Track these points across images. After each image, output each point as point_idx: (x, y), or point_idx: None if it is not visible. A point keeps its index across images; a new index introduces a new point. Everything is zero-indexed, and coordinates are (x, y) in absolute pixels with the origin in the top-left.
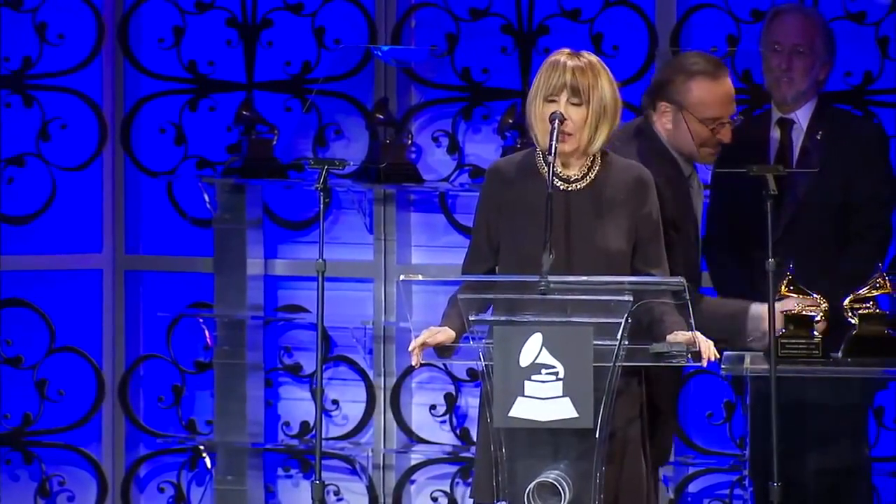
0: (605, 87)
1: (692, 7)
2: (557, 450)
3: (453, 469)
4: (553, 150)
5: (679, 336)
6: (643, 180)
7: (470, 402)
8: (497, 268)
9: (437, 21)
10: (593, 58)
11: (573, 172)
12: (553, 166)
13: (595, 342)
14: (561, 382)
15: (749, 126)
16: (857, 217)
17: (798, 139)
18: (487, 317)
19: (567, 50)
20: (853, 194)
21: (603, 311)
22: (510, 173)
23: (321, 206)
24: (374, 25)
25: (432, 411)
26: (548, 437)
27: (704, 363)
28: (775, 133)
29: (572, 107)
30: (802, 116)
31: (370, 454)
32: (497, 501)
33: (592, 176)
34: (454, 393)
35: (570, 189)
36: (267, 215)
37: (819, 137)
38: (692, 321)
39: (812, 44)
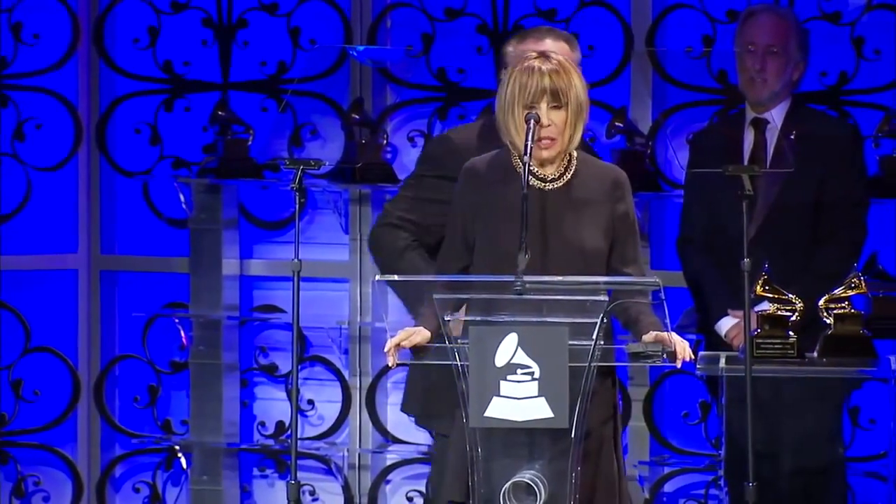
0: (578, 85)
1: (667, 7)
2: (533, 450)
3: (428, 469)
4: (528, 151)
5: (654, 336)
6: (619, 179)
7: None
8: (472, 267)
9: (413, 21)
10: (561, 57)
11: (549, 172)
12: (528, 166)
13: (570, 342)
14: (536, 382)
15: (723, 126)
16: (831, 217)
17: (772, 139)
18: (463, 317)
19: (534, 53)
20: (827, 194)
21: (579, 311)
22: (485, 172)
23: (297, 206)
24: (350, 25)
25: None
26: (523, 437)
27: (679, 364)
28: (749, 133)
29: (553, 110)
30: (776, 116)
31: (346, 454)
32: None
33: (569, 175)
34: None
35: (546, 188)
36: (243, 215)
37: (793, 137)
38: (667, 321)
39: (786, 44)
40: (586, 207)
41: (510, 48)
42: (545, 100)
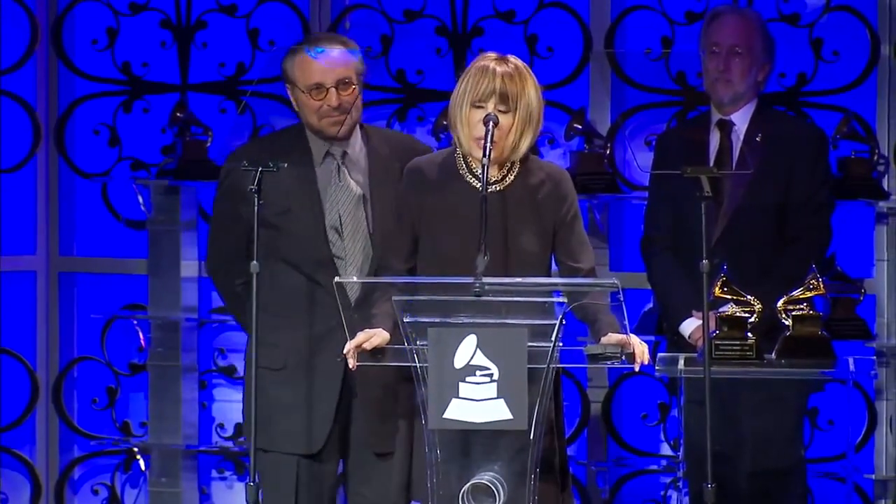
0: (532, 93)
1: (626, 9)
2: (492, 451)
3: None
4: (487, 153)
5: (613, 338)
6: (559, 176)
7: None
8: (416, 269)
9: (372, 22)
10: (520, 62)
11: (493, 174)
12: (487, 168)
13: (529, 344)
14: (495, 384)
15: (689, 127)
16: (796, 219)
17: (737, 141)
18: (423, 318)
19: (494, 54)
20: (792, 196)
21: (537, 313)
22: (431, 173)
23: (256, 207)
24: (309, 27)
25: None
26: (482, 439)
27: (637, 367)
28: (715, 135)
29: (499, 114)
30: (742, 118)
31: None
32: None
33: (511, 177)
34: None
35: (490, 190)
36: (201, 217)
37: (759, 139)
38: (626, 322)
39: (750, 45)
40: (527, 209)
41: (288, 62)
42: (493, 101)
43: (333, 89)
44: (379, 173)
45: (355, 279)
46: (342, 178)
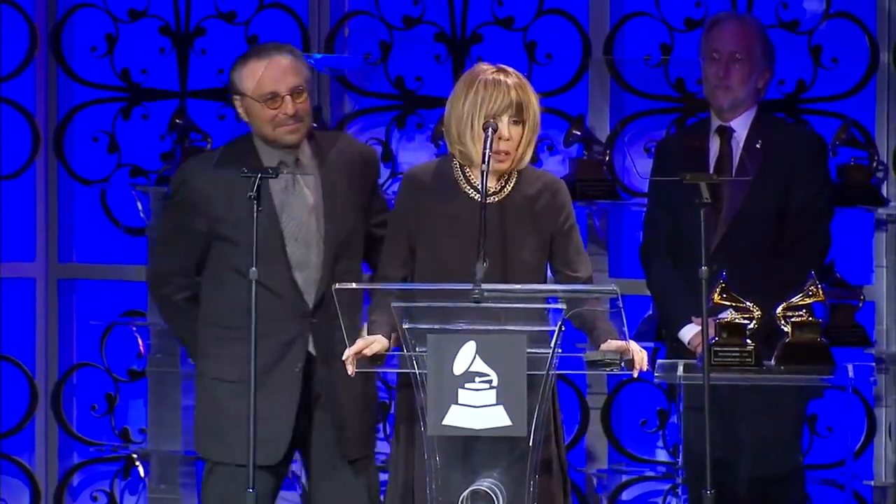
0: (535, 102)
1: (625, 15)
2: (491, 458)
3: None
4: (487, 160)
5: (613, 345)
6: (556, 185)
7: None
8: (414, 277)
9: (371, 29)
10: (519, 73)
11: (491, 185)
12: (486, 175)
13: (528, 350)
14: (494, 390)
15: (689, 134)
16: (793, 225)
17: (737, 147)
18: (422, 325)
19: (490, 66)
20: (791, 202)
21: (536, 320)
22: (427, 182)
23: (255, 214)
24: (308, 33)
25: None
26: (481, 445)
27: (636, 373)
28: (714, 141)
29: (514, 125)
30: (742, 125)
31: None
32: None
33: (509, 188)
34: (388, 401)
35: (488, 201)
36: None
37: (759, 146)
38: (625, 329)
39: (749, 51)
40: (525, 220)
41: (236, 74)
42: (508, 114)
43: (289, 97)
44: (329, 180)
45: (354, 285)
46: (297, 187)
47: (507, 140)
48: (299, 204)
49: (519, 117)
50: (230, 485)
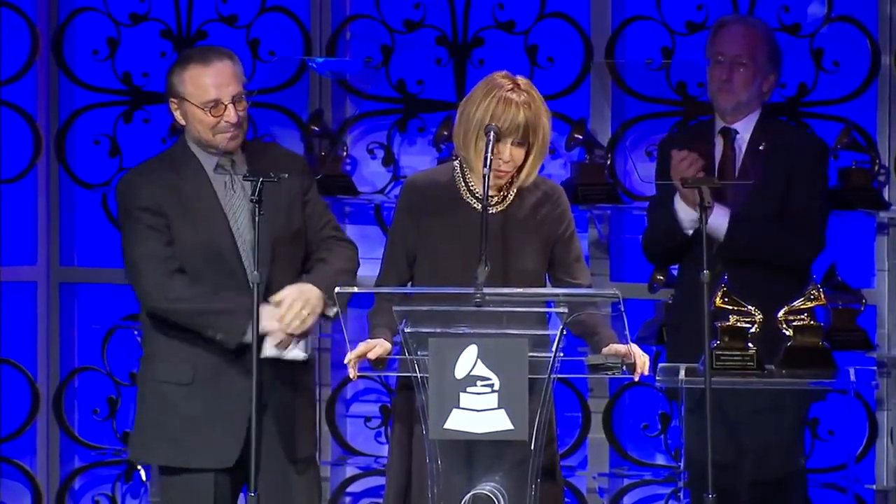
0: (546, 123)
1: (627, 19)
2: (492, 461)
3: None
4: (488, 163)
5: (615, 348)
6: (556, 193)
7: None
8: (412, 283)
9: (372, 33)
10: (531, 86)
11: (492, 194)
12: (488, 178)
13: (530, 354)
14: (496, 394)
15: (692, 134)
16: (791, 228)
17: (741, 150)
18: (423, 329)
19: (508, 84)
20: (788, 204)
21: (538, 323)
22: (428, 189)
23: (256, 218)
24: (309, 37)
25: (367, 423)
26: (483, 449)
27: (637, 377)
28: (718, 143)
29: (516, 147)
30: (745, 127)
31: None
32: None
33: (511, 197)
34: (389, 405)
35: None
36: None
37: (762, 149)
38: (627, 333)
39: (753, 55)
40: (527, 229)
41: (176, 77)
42: (513, 137)
43: (231, 105)
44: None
45: (356, 289)
46: (236, 188)
47: (508, 162)
48: (240, 204)
49: (525, 140)
50: (193, 488)
